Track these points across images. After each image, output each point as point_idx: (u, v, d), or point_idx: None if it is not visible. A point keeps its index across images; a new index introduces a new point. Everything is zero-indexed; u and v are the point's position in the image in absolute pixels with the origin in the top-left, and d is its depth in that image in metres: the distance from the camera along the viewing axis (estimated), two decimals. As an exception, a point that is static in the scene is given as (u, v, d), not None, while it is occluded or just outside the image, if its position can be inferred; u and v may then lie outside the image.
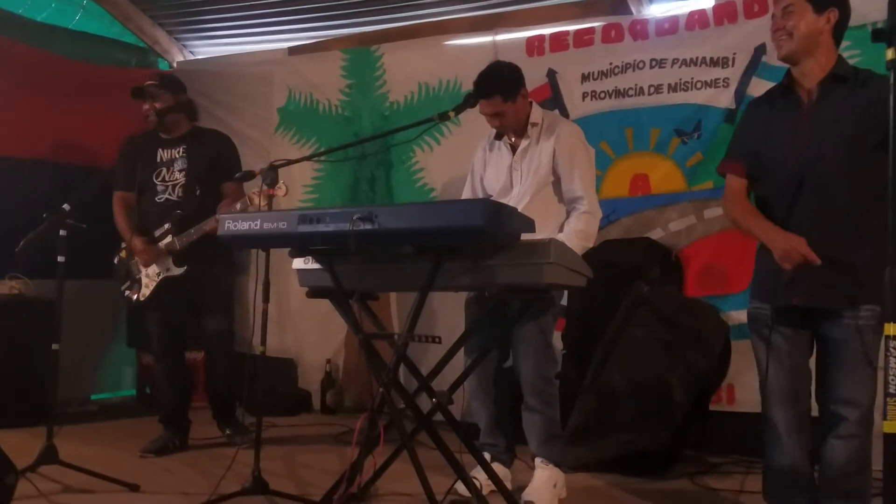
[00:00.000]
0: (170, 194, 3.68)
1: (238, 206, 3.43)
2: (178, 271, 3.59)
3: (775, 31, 2.40)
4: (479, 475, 2.77)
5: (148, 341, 3.94)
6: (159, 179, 3.71)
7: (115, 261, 3.81)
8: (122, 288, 3.75)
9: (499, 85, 2.99)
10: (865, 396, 2.33)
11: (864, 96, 2.31)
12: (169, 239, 3.59)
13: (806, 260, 2.27)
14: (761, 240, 2.46)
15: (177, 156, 3.73)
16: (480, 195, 3.23)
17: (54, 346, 3.14)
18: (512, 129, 3.10)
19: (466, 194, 3.30)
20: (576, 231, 2.95)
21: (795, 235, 2.32)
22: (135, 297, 3.70)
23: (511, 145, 3.13)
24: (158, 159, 3.74)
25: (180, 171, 3.69)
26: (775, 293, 2.40)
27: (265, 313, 2.98)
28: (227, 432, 3.88)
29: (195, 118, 3.88)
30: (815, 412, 2.49)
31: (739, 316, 3.70)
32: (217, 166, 3.70)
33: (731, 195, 2.56)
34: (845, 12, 2.40)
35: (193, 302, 3.74)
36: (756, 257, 2.57)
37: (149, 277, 3.66)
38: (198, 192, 3.66)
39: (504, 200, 3.01)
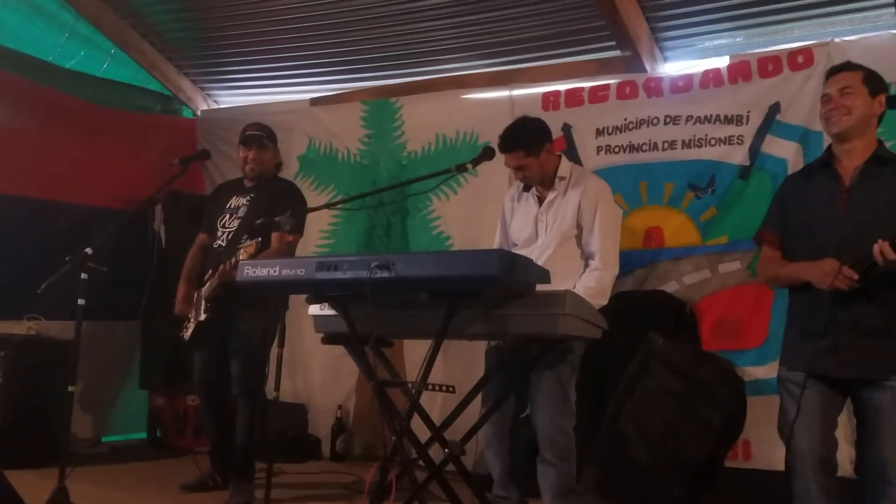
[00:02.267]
0: (222, 241, 3.71)
1: (233, 260, 3.34)
2: (202, 317, 3.63)
3: (833, 109, 2.50)
4: (490, 528, 2.73)
5: (167, 381, 4.01)
6: (221, 225, 3.76)
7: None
8: (183, 325, 3.80)
9: (521, 140, 3.05)
10: None
11: None
12: (207, 285, 3.66)
13: (843, 276, 2.31)
14: (801, 277, 2.50)
15: (242, 203, 3.75)
16: (510, 242, 3.26)
17: (71, 388, 3.16)
18: (537, 182, 3.15)
19: (497, 240, 3.34)
20: (585, 288, 2.95)
21: (827, 259, 2.38)
22: (184, 335, 3.77)
23: (538, 196, 3.18)
24: (228, 205, 3.79)
25: (238, 218, 3.71)
26: (811, 361, 2.43)
27: (280, 358, 2.99)
28: (232, 491, 3.62)
29: (279, 170, 3.95)
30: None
31: (755, 371, 3.69)
32: (272, 215, 3.56)
33: (764, 261, 2.70)
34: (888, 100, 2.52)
35: (225, 346, 3.72)
36: (786, 327, 2.61)
37: (190, 320, 3.75)
38: (244, 241, 3.62)
39: (528, 250, 3.06)
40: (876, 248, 2.25)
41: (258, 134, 3.78)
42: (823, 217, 2.48)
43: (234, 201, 3.80)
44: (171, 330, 3.90)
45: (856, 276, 2.31)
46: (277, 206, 3.51)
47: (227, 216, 3.76)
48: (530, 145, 3.05)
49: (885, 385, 2.34)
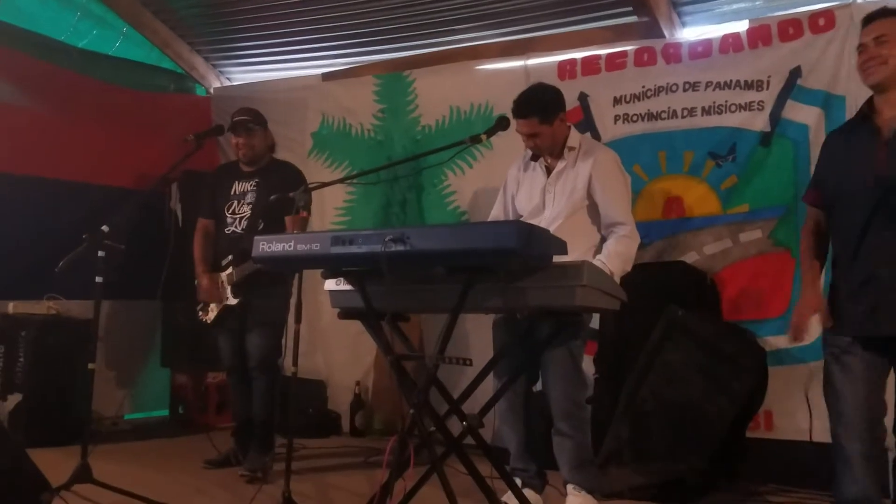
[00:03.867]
0: (236, 227, 3.77)
1: None
2: (233, 302, 3.71)
3: (868, 59, 2.43)
4: (510, 501, 2.73)
5: (188, 359, 4.05)
6: (230, 212, 3.81)
7: (196, 282, 3.88)
8: (197, 308, 3.87)
9: (536, 107, 3.00)
10: None
11: None
12: (230, 270, 3.71)
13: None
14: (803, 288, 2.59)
15: (249, 189, 3.81)
16: (511, 213, 3.23)
17: (91, 366, 3.18)
18: (547, 151, 3.10)
19: (496, 211, 3.31)
20: (616, 252, 2.93)
21: (812, 299, 2.51)
22: (204, 318, 3.84)
23: (547, 167, 3.13)
24: (233, 192, 3.84)
25: (248, 204, 3.78)
26: (852, 323, 2.41)
27: (297, 334, 2.99)
28: (249, 458, 3.71)
29: (274, 150, 3.99)
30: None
31: (776, 341, 3.65)
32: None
33: (806, 227, 2.70)
34: None
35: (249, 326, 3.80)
36: (830, 288, 2.57)
37: (214, 303, 3.79)
38: (260, 227, 3.72)
39: (535, 221, 3.02)
40: None
41: (243, 119, 3.82)
42: (864, 172, 2.40)
43: (238, 187, 3.84)
44: (191, 310, 3.94)
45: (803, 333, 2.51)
46: (287, 190, 3.56)
47: (236, 202, 3.81)
48: (545, 113, 3.00)
49: None
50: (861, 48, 2.46)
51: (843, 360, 2.42)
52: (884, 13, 2.46)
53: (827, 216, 2.59)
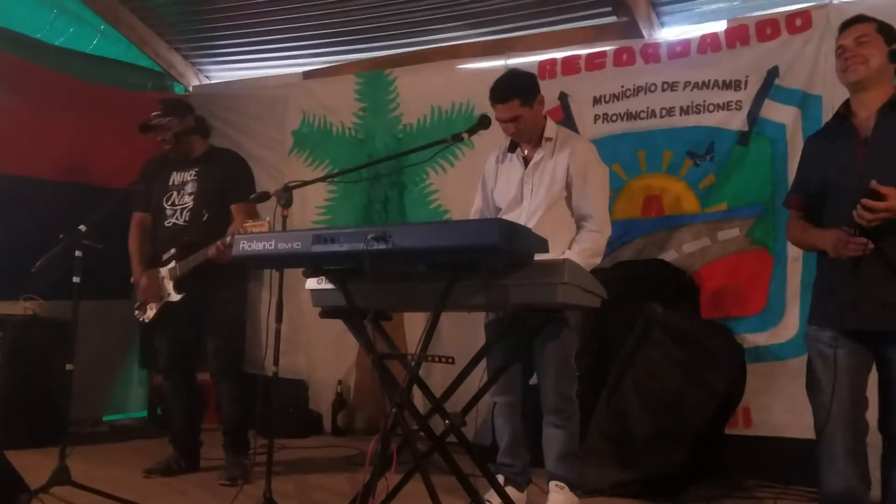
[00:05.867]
0: (177, 219, 3.65)
1: (228, 239, 3.31)
2: (175, 298, 3.57)
3: (850, 58, 2.47)
4: (492, 499, 2.74)
5: (156, 361, 3.90)
6: (169, 203, 3.69)
7: (131, 280, 3.81)
8: (134, 308, 3.76)
9: (517, 89, 3.00)
10: None
11: None
12: (172, 265, 3.58)
13: (852, 245, 2.33)
14: (818, 245, 2.53)
15: (189, 179, 3.69)
16: (492, 206, 3.23)
17: (68, 367, 3.14)
18: (527, 138, 3.10)
19: (477, 205, 3.31)
20: (582, 249, 2.94)
21: (833, 230, 2.42)
22: (142, 317, 3.71)
23: (524, 158, 3.13)
24: (171, 183, 3.72)
25: (189, 194, 3.65)
26: (836, 317, 2.43)
27: (278, 333, 2.98)
28: (226, 465, 3.64)
29: (208, 136, 3.86)
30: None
31: (754, 338, 3.69)
32: (226, 188, 3.64)
33: (789, 224, 2.72)
34: None
35: (198, 324, 3.70)
36: (814, 285, 2.61)
37: (154, 302, 3.67)
38: (205, 217, 3.61)
39: (514, 213, 3.03)
40: (854, 213, 2.28)
41: (150, 119, 3.66)
42: (843, 173, 2.45)
43: (176, 177, 3.73)
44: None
45: (864, 241, 2.30)
46: (229, 180, 3.63)
47: (175, 193, 3.69)
48: (525, 95, 2.99)
49: None
50: (841, 49, 2.51)
51: (826, 354, 2.44)
52: (861, 18, 2.53)
53: (810, 218, 2.61)
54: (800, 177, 2.71)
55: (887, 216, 2.25)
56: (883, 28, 2.48)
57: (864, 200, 2.25)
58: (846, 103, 2.56)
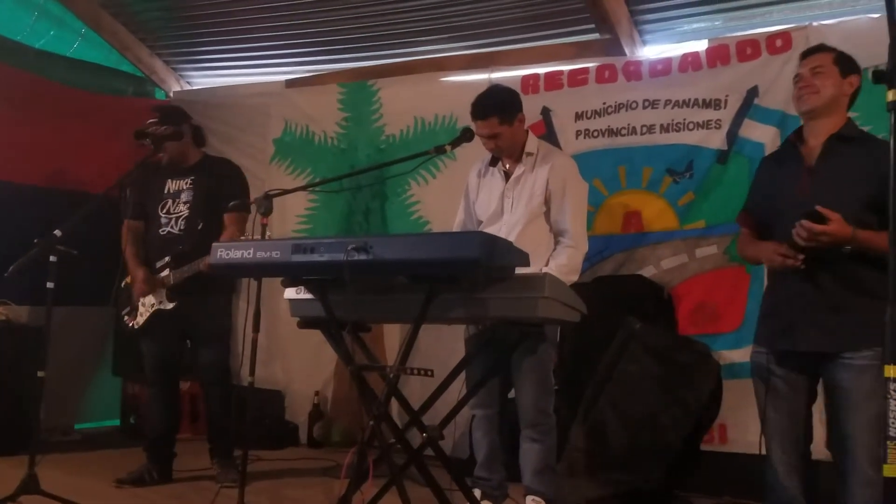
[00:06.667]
0: (172, 227, 3.64)
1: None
2: (168, 306, 3.56)
3: (803, 87, 2.53)
4: (468, 512, 2.72)
5: (141, 368, 3.86)
6: (164, 212, 3.68)
7: (122, 285, 3.77)
8: (123, 313, 3.73)
9: (496, 107, 3.02)
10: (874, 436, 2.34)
11: (864, 157, 2.42)
12: (166, 273, 3.57)
13: (789, 256, 2.39)
14: (759, 256, 2.63)
15: (184, 187, 3.68)
16: (474, 219, 3.24)
17: (40, 374, 3.10)
18: (507, 154, 3.12)
19: (460, 217, 3.33)
20: (558, 265, 2.96)
21: (770, 242, 2.51)
22: (131, 323, 3.69)
23: (505, 172, 3.15)
24: (166, 190, 3.71)
25: (185, 203, 3.65)
26: (772, 339, 2.52)
27: (255, 343, 2.95)
28: (215, 466, 3.74)
29: (203, 144, 3.84)
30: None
31: (731, 355, 3.71)
32: (220, 197, 3.61)
33: (739, 240, 2.82)
34: (859, 81, 2.55)
35: (188, 334, 3.71)
36: (762, 302, 2.68)
37: (144, 307, 3.65)
38: (200, 226, 3.61)
39: (494, 227, 3.04)
40: (794, 231, 2.32)
41: (146, 126, 3.60)
42: (788, 198, 2.52)
43: (171, 185, 3.72)
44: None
45: (794, 254, 2.36)
46: (225, 189, 3.59)
47: (170, 201, 3.68)
48: (505, 112, 3.02)
49: (842, 362, 2.37)
50: (797, 78, 2.58)
51: (766, 379, 2.53)
52: (821, 48, 2.60)
53: (759, 237, 2.68)
54: (751, 196, 2.79)
55: (827, 240, 2.28)
56: (840, 59, 2.54)
57: (804, 221, 2.29)
58: (798, 130, 2.63)
